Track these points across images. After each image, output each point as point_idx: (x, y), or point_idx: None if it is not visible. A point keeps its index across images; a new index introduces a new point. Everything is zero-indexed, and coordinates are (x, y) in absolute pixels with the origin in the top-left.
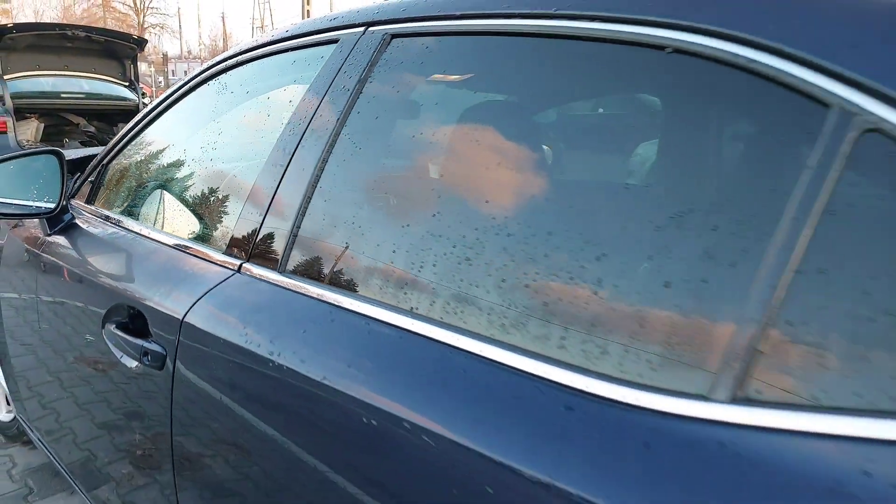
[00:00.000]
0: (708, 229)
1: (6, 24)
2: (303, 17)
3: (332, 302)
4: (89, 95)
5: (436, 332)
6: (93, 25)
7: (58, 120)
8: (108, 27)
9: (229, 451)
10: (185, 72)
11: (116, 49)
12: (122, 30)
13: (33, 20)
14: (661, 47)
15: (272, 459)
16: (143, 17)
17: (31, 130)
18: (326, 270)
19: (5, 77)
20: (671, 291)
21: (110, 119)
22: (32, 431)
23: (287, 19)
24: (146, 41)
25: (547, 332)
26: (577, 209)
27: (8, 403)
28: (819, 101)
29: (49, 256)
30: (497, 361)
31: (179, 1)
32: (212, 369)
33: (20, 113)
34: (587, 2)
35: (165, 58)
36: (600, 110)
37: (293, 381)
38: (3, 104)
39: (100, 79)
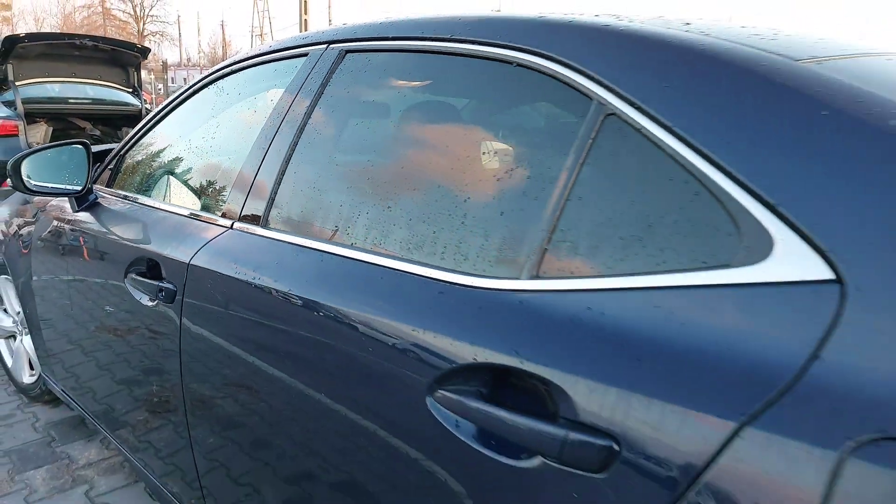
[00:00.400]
0: (524, 177)
1: (19, 34)
2: (300, 27)
3: (297, 243)
4: (95, 101)
5: (362, 255)
6: (96, 34)
7: (65, 124)
8: (108, 35)
9: (229, 362)
10: (185, 79)
11: (121, 57)
12: (122, 37)
13: (34, 27)
14: (510, 62)
15: (260, 355)
16: (143, 24)
17: (40, 134)
18: (293, 224)
19: (17, 83)
20: (500, 220)
21: (114, 123)
22: (57, 385)
23: (285, 28)
24: (149, 50)
25: (432, 249)
26: (446, 174)
27: (31, 368)
28: (587, 96)
29: (78, 228)
30: (400, 270)
31: (179, 9)
32: (211, 296)
33: (30, 117)
34: (468, 31)
35: (165, 65)
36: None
37: (270, 294)
38: (15, 109)
39: (105, 85)
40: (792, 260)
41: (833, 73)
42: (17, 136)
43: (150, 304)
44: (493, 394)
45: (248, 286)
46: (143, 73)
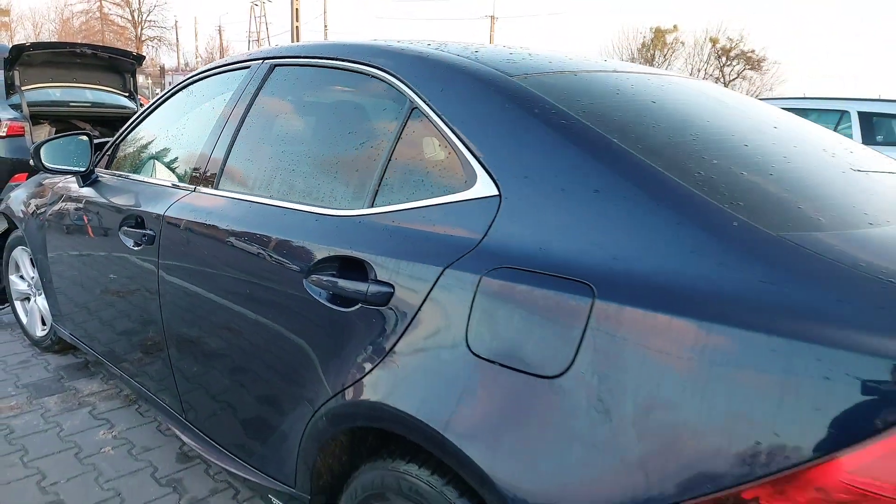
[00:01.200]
0: (367, 147)
1: (25, 44)
2: (292, 34)
3: (236, 197)
4: (94, 104)
5: (274, 202)
6: (94, 39)
7: (67, 125)
8: (106, 39)
9: (191, 279)
10: None
11: (118, 64)
12: (120, 42)
13: (32, 33)
14: (359, 72)
15: (211, 270)
16: (141, 29)
17: (44, 134)
18: (234, 185)
19: (23, 88)
20: (354, 175)
21: (112, 125)
22: (66, 331)
23: (280, 35)
24: (144, 57)
25: (315, 196)
26: (324, 147)
27: (43, 323)
28: (403, 94)
29: (83, 200)
30: (295, 209)
31: (177, 14)
32: (178, 236)
33: (35, 119)
34: (339, 52)
35: (163, 70)
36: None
37: (216, 231)
38: (21, 111)
39: (103, 90)
40: (482, 186)
41: (527, 85)
42: (23, 136)
43: (136, 248)
44: (339, 272)
45: (202, 226)
46: (141, 78)
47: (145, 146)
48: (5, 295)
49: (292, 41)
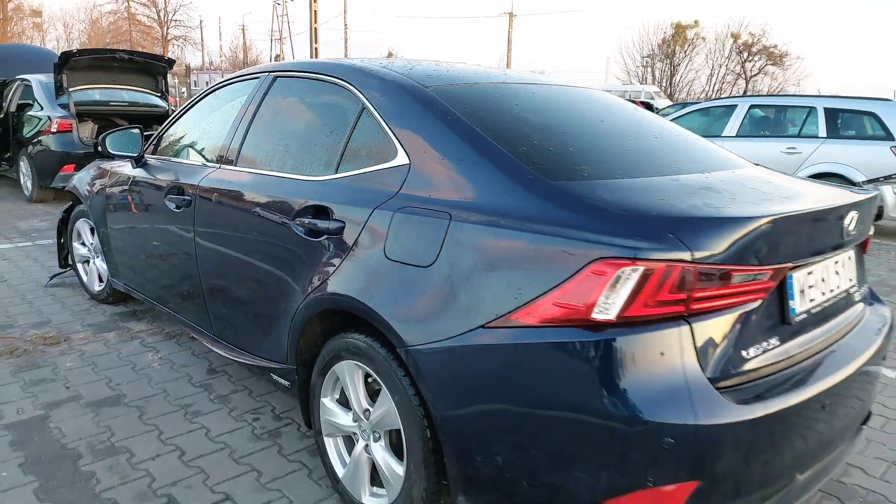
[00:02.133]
0: (330, 134)
1: (72, 51)
2: (310, 33)
3: (248, 171)
4: (130, 104)
5: (270, 173)
6: (123, 40)
7: (107, 123)
8: (133, 38)
9: (218, 232)
10: (207, 82)
11: (151, 67)
12: (146, 41)
13: (62, 33)
14: (331, 83)
15: (231, 222)
16: (167, 29)
17: (88, 130)
18: (246, 164)
19: (70, 90)
20: (322, 151)
21: (145, 122)
22: (120, 283)
23: (300, 33)
24: (174, 61)
25: (294, 167)
26: (297, 134)
27: (100, 280)
28: (357, 98)
29: (135, 179)
30: (284, 177)
31: (202, 14)
32: (209, 200)
33: (80, 117)
34: (315, 68)
35: (188, 69)
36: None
37: (235, 195)
38: (69, 110)
39: (138, 90)
40: (399, 159)
41: (433, 93)
42: (71, 132)
43: (177, 210)
44: (313, 215)
45: (225, 192)
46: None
47: (182, 136)
48: (68, 261)
49: (310, 42)
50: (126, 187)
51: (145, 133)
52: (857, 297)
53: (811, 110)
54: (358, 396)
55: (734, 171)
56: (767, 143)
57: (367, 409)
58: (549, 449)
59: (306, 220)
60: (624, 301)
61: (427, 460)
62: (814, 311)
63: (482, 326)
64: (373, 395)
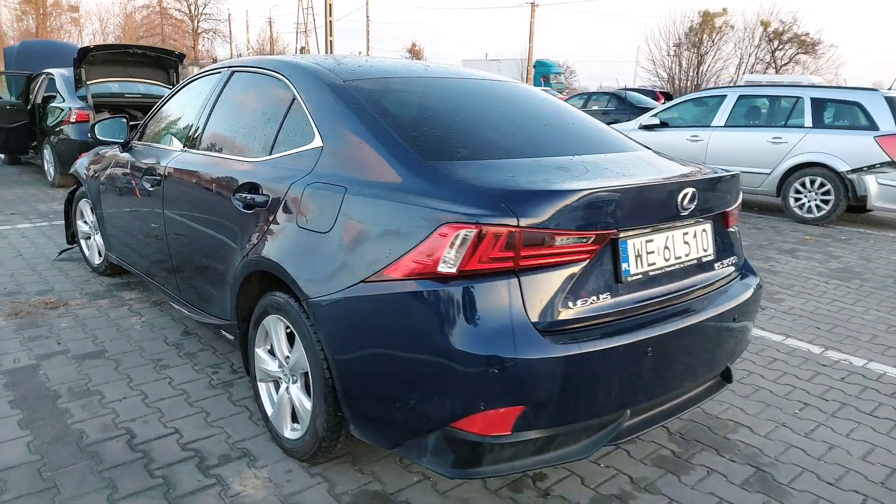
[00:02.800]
0: (268, 121)
1: (89, 46)
2: (326, 26)
3: (207, 154)
4: (144, 95)
5: (222, 155)
6: (154, 35)
7: (122, 113)
8: (164, 32)
9: (179, 205)
10: None
11: (163, 61)
12: (178, 34)
13: (98, 27)
14: (272, 77)
15: (188, 196)
16: (197, 22)
17: None
18: (206, 147)
19: (88, 83)
20: (260, 136)
21: None
22: (114, 256)
23: (322, 26)
24: (185, 56)
25: (240, 151)
26: (244, 122)
27: (99, 255)
28: (291, 91)
29: (123, 161)
30: (232, 158)
31: (230, 7)
32: (174, 178)
33: (97, 108)
34: (262, 64)
35: (215, 62)
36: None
37: (193, 174)
38: (87, 102)
39: (151, 83)
40: (315, 142)
41: (348, 87)
42: (88, 122)
43: (151, 189)
44: (248, 191)
45: (185, 172)
46: (196, 70)
47: (161, 124)
48: (74, 238)
49: (326, 35)
50: (115, 170)
51: (132, 123)
52: (717, 266)
53: (798, 100)
54: (280, 345)
55: (609, 155)
56: (755, 132)
57: (287, 356)
58: (410, 381)
59: (243, 195)
60: (462, 257)
61: (327, 396)
62: (652, 273)
63: (363, 281)
64: (292, 344)
